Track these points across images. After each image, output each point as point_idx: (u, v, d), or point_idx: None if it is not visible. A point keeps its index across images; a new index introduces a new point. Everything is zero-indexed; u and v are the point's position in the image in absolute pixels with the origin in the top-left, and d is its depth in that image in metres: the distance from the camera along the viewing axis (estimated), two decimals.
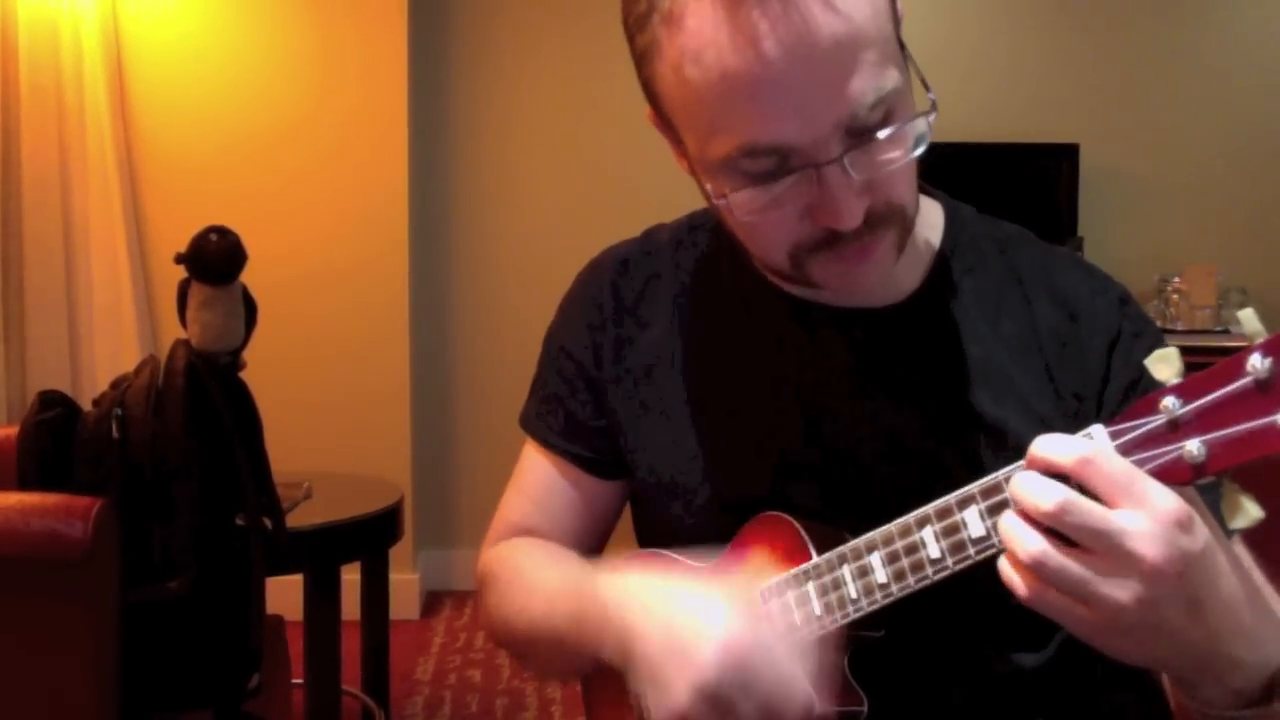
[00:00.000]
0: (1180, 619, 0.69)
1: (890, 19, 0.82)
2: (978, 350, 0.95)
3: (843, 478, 0.95)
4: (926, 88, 0.84)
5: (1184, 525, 0.68)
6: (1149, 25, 4.08)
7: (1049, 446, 0.71)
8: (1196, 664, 0.73)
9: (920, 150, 0.83)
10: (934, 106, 0.83)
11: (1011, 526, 0.71)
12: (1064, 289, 0.98)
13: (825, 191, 0.80)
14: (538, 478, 1.11)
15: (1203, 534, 0.69)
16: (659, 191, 2.68)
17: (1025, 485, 0.71)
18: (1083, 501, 0.68)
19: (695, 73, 0.79)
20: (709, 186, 0.86)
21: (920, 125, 0.82)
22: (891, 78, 0.80)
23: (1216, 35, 4.09)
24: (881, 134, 0.80)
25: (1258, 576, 0.81)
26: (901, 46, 0.84)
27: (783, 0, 0.76)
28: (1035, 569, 0.69)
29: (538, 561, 1.05)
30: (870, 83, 0.78)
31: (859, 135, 0.80)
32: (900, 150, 0.82)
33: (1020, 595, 0.71)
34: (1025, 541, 0.70)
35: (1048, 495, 0.69)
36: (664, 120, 0.88)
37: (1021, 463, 0.74)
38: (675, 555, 1.00)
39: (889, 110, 0.80)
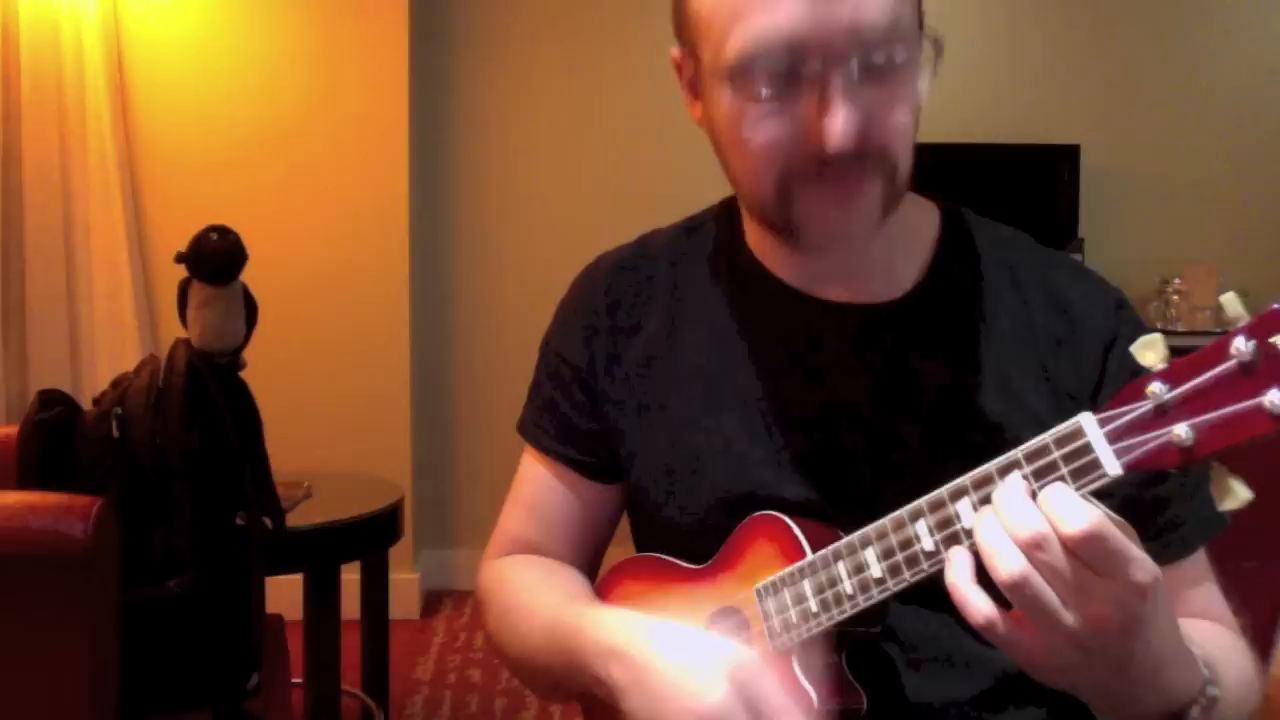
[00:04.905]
0: (1108, 664, 0.72)
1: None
2: (976, 348, 0.95)
3: (840, 475, 0.95)
4: (939, 54, 0.88)
5: (1144, 594, 0.70)
6: (1150, 26, 4.08)
7: (1018, 518, 0.71)
8: (1103, 696, 0.77)
9: (920, 94, 0.87)
10: (939, 49, 0.87)
11: (995, 543, 0.71)
12: (1060, 291, 0.98)
13: (825, 104, 0.83)
14: (535, 484, 1.11)
15: (1160, 601, 0.72)
16: (659, 193, 2.68)
17: (1012, 511, 0.71)
18: (1060, 549, 0.70)
19: None
20: (715, 102, 0.89)
21: (920, 80, 0.87)
22: (907, 19, 0.84)
23: (1217, 36, 4.10)
24: (887, 61, 0.83)
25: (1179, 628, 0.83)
26: (920, 23, 0.88)
27: None
28: (1012, 587, 0.70)
29: (531, 588, 1.05)
30: (889, 6, 0.82)
31: (868, 57, 0.83)
32: (902, 90, 0.85)
33: (975, 619, 0.73)
34: (1009, 561, 0.70)
35: (1028, 525, 0.70)
36: (685, 45, 0.92)
37: (1014, 453, 0.75)
38: (671, 559, 1.00)
39: (896, 51, 0.83)
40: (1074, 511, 0.69)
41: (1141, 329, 0.98)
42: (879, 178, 0.87)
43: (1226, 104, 4.08)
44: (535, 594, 1.03)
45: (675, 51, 0.95)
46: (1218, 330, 3.83)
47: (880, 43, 0.82)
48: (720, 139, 0.92)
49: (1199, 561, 0.97)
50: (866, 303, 0.97)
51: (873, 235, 0.91)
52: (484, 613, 1.10)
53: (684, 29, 0.92)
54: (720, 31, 0.86)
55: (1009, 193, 3.88)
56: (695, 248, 1.07)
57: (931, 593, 0.80)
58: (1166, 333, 3.48)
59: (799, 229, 0.90)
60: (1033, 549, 0.70)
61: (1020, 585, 0.70)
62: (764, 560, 0.91)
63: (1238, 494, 0.68)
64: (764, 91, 0.84)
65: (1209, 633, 0.91)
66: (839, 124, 0.82)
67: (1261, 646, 1.28)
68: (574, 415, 1.07)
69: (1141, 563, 0.70)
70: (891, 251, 0.95)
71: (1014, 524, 0.71)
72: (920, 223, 1.00)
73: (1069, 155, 3.94)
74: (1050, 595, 0.70)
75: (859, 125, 0.83)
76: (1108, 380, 0.95)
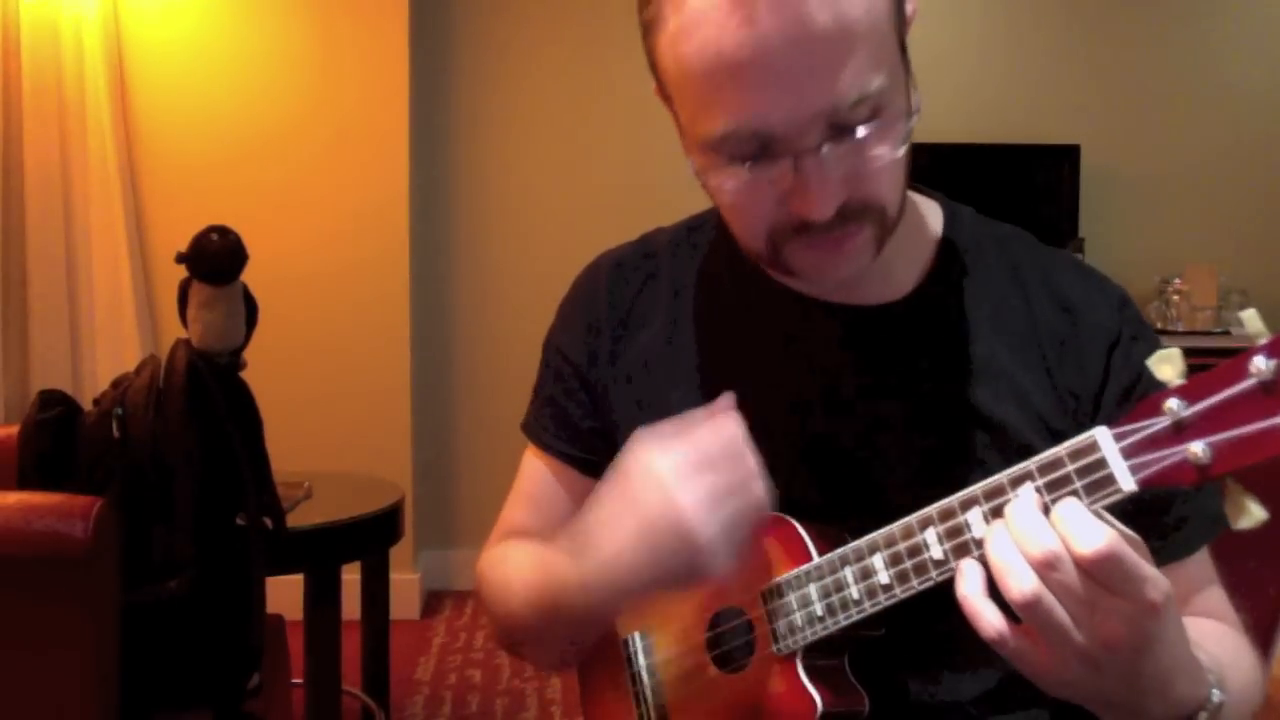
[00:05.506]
0: (1117, 679, 0.72)
1: (890, 20, 0.82)
2: (978, 348, 0.95)
3: (843, 475, 0.95)
4: (914, 89, 0.85)
5: (1157, 613, 0.69)
6: (1150, 27, 4.08)
7: (1033, 535, 0.70)
8: (1111, 708, 0.76)
9: (901, 151, 0.84)
10: (917, 109, 0.84)
11: (1007, 560, 0.71)
12: (1063, 289, 0.98)
13: (801, 181, 0.81)
14: (536, 481, 1.11)
15: (1171, 617, 0.71)
16: (660, 192, 2.69)
17: (1025, 527, 0.71)
18: (1073, 568, 0.69)
19: (689, 49, 0.80)
20: (695, 162, 0.87)
21: (901, 128, 0.83)
22: (880, 78, 0.80)
23: (1217, 36, 4.10)
24: (862, 131, 0.80)
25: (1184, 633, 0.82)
26: (903, 50, 0.84)
27: None
28: (1024, 605, 0.70)
29: (529, 552, 1.05)
30: (857, 79, 0.79)
31: (840, 130, 0.80)
32: (881, 149, 0.82)
33: (986, 633, 0.72)
34: (1021, 579, 0.70)
35: (1041, 543, 0.70)
36: (661, 90, 0.89)
37: (1026, 465, 0.74)
38: None
39: (874, 109, 0.80)
40: (1088, 531, 0.68)
41: (1145, 328, 0.98)
42: (868, 224, 0.86)
43: (1226, 104, 4.08)
44: (531, 556, 1.03)
45: (656, 86, 0.91)
46: (1218, 330, 3.83)
47: (853, 110, 0.79)
48: (704, 187, 0.90)
49: (1202, 559, 0.96)
50: (868, 303, 0.97)
51: (868, 269, 0.90)
52: (482, 589, 1.09)
53: (657, 80, 0.89)
54: (690, 108, 0.84)
55: (1009, 193, 3.88)
56: (697, 247, 1.06)
57: (935, 595, 0.80)
58: (1167, 333, 3.46)
59: (792, 270, 0.90)
60: (1045, 568, 0.69)
61: (1032, 604, 0.69)
62: (769, 562, 0.91)
63: (1253, 513, 0.67)
64: (738, 166, 0.83)
65: (1213, 633, 0.91)
66: (815, 200, 0.81)
67: (1262, 645, 1.28)
68: (575, 413, 1.07)
69: (1154, 581, 0.69)
70: (893, 252, 0.95)
71: (1027, 541, 0.70)
72: (922, 222, 1.00)
73: (1069, 155, 3.94)
74: (1062, 613, 0.69)
75: (838, 194, 0.82)
76: (1111, 379, 0.95)
